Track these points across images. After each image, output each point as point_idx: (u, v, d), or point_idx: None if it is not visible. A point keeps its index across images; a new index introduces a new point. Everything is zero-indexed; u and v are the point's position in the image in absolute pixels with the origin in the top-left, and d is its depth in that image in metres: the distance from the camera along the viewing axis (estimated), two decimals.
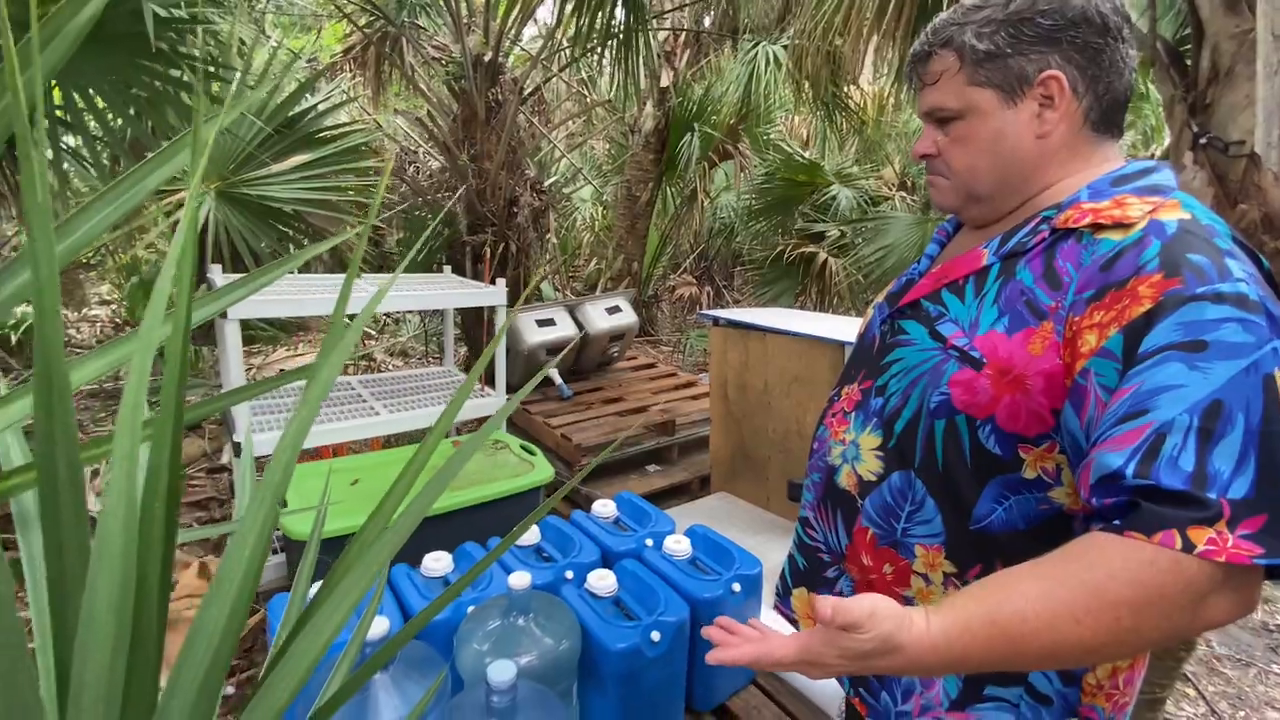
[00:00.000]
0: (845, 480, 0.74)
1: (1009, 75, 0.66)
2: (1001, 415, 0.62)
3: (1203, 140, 1.10)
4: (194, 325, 0.50)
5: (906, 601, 0.68)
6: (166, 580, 0.26)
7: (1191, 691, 1.74)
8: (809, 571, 0.81)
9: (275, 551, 1.97)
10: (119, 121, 2.15)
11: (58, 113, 1.94)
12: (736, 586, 1.43)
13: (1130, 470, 0.51)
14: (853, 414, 0.76)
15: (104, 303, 5.39)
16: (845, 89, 4.94)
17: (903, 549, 0.69)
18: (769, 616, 1.62)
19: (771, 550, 1.90)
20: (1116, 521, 0.51)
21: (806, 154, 5.45)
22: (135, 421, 0.23)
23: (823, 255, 4.72)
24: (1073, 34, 0.65)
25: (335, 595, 0.42)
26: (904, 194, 5.77)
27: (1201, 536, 0.49)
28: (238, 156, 2.60)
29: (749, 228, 5.61)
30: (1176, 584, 0.49)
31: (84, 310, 5.10)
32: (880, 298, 0.84)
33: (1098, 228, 0.60)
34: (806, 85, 4.48)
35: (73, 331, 4.64)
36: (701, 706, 1.47)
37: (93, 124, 2.01)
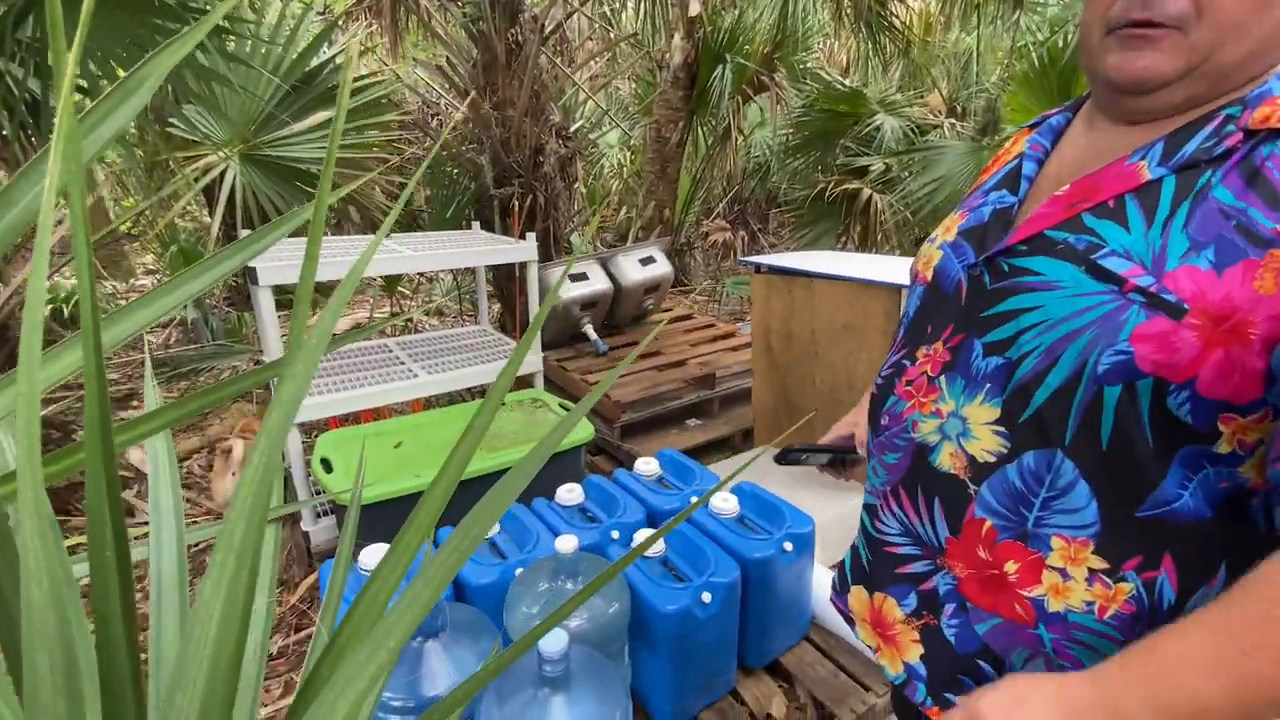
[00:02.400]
0: (948, 461, 0.61)
1: None
2: (1207, 377, 0.48)
3: None
4: (184, 300, 0.45)
5: (1035, 605, 0.57)
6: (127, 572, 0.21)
7: None
8: (876, 568, 0.71)
9: (326, 514, 2.01)
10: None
11: (79, 83, 1.90)
12: (788, 545, 1.38)
13: None
14: (942, 377, 0.62)
15: (149, 272, 5.53)
16: (890, 7, 4.55)
17: (1034, 540, 0.57)
18: (823, 575, 1.57)
19: (822, 505, 1.84)
20: None
21: (847, 82, 5.09)
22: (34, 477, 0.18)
23: (866, 192, 4.45)
24: None
25: (389, 567, 0.37)
26: (953, 120, 5.37)
27: None
28: (258, 117, 2.54)
29: (786, 166, 5.32)
30: None
31: (131, 281, 5.24)
32: (945, 234, 0.68)
33: None
34: (847, 5, 4.13)
35: (121, 302, 4.78)
36: (755, 663, 1.45)
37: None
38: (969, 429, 0.59)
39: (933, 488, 0.63)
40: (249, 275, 1.69)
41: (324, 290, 4.20)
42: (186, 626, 0.34)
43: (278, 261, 1.77)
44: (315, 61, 2.69)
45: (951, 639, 0.63)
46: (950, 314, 0.63)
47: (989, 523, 0.58)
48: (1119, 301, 0.51)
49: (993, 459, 0.58)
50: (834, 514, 1.80)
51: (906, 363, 0.67)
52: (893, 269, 1.88)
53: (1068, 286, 0.53)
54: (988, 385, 0.58)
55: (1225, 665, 0.43)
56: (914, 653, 0.67)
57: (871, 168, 4.64)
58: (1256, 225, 0.47)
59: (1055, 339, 0.54)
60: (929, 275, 0.68)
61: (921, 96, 5.84)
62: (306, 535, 1.93)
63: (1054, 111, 0.70)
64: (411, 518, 0.46)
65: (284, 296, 4.19)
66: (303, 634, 1.68)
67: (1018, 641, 0.59)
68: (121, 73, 1.98)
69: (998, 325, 0.58)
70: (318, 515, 1.99)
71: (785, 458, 1.00)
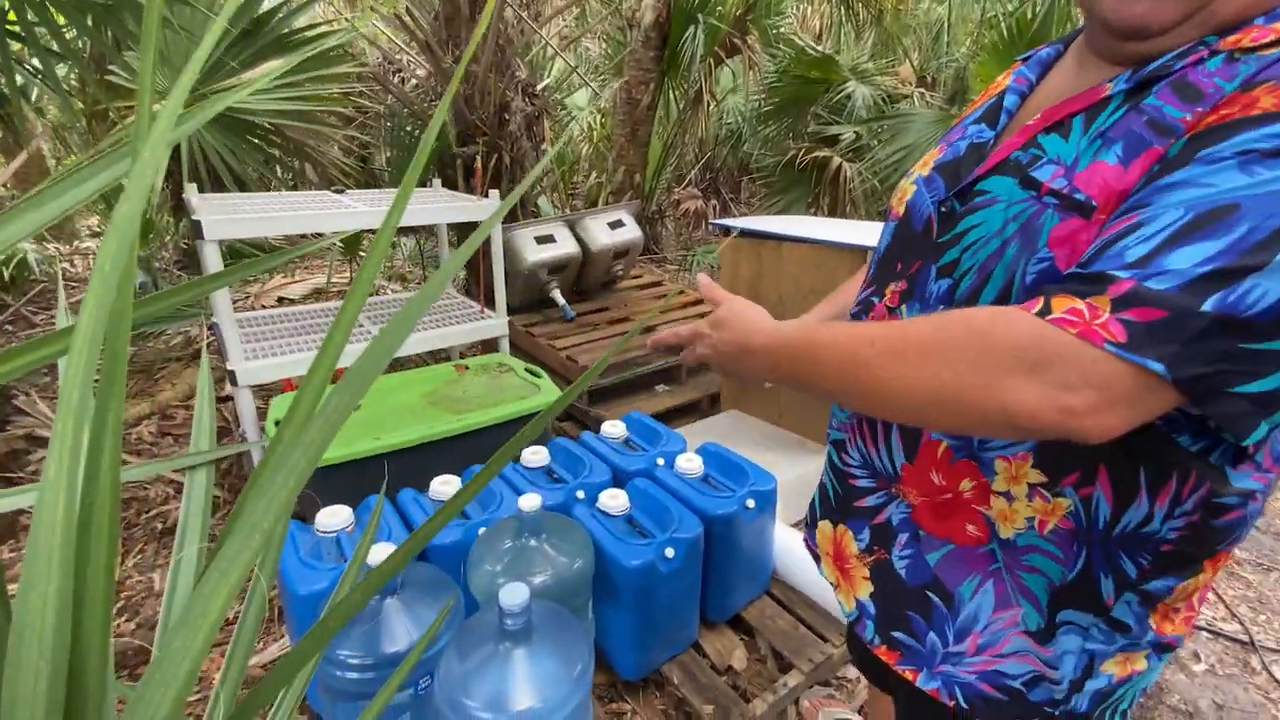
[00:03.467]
0: None
1: None
2: None
3: None
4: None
5: (986, 521, 0.58)
6: (110, 577, 0.21)
7: (1211, 595, 1.75)
8: (840, 501, 0.72)
9: None
10: (76, 34, 1.95)
11: (11, 29, 1.75)
12: (751, 502, 1.40)
13: (1084, 260, 0.44)
14: (901, 307, 0.62)
15: (94, 235, 5.25)
16: None
17: (982, 465, 0.58)
18: (784, 533, 1.60)
19: (785, 465, 1.87)
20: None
21: (820, 48, 5.04)
22: (79, 430, 0.16)
23: (836, 160, 4.45)
24: None
25: (237, 534, 0.35)
26: (923, 90, 5.38)
27: (1063, 305, 0.43)
28: (206, 65, 2.38)
29: (757, 133, 5.28)
30: (991, 337, 0.44)
31: (74, 244, 4.97)
32: (921, 169, 0.67)
33: (1268, 46, 0.46)
34: None
35: (67, 265, 4.53)
36: (716, 617, 1.49)
37: (50, 40, 1.81)
38: None
39: None
40: (195, 229, 1.61)
41: (278, 248, 4.04)
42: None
43: (225, 215, 1.69)
44: (266, 5, 2.53)
45: (902, 572, 0.64)
46: (914, 248, 0.63)
47: (944, 443, 0.59)
48: (1036, 206, 0.51)
49: None
50: (796, 474, 1.83)
51: (875, 299, 0.67)
52: (859, 232, 1.89)
53: (1002, 199, 0.54)
54: (940, 307, 0.59)
55: (854, 346, 0.53)
56: (864, 590, 0.68)
57: (842, 136, 4.63)
58: (1166, 118, 0.47)
59: (987, 255, 0.54)
60: (901, 210, 0.67)
61: (893, 66, 5.82)
62: None
63: (1045, 45, 0.69)
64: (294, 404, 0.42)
65: (238, 258, 4.03)
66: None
67: (970, 566, 0.60)
68: (60, 19, 1.83)
69: (949, 248, 0.58)
70: None
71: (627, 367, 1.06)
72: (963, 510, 0.60)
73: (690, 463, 1.48)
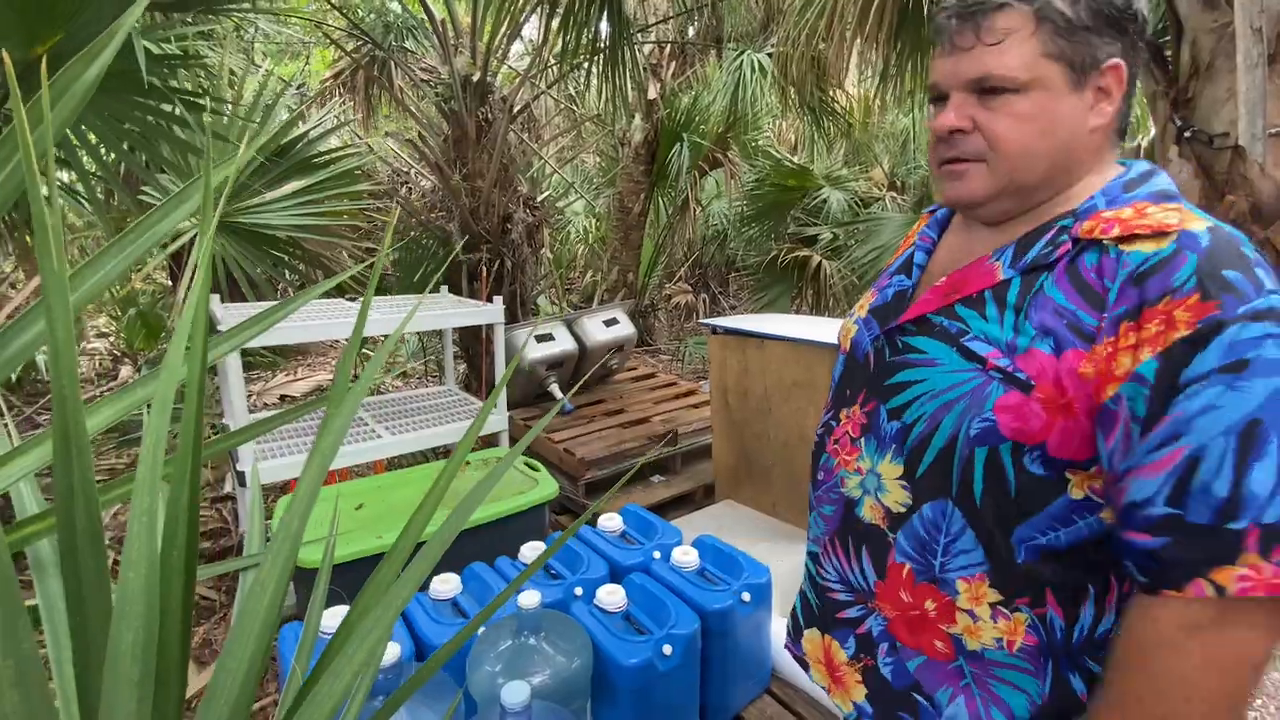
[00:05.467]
0: (870, 513, 0.69)
1: (1083, 54, 0.60)
2: (1053, 441, 0.58)
3: (1187, 134, 1.12)
4: (209, 364, 0.51)
5: (954, 640, 0.64)
6: (187, 624, 0.27)
7: None
8: (823, 612, 0.77)
9: None
10: (112, 156, 2.16)
11: (83, 156, 1.95)
12: (746, 596, 1.43)
13: (1162, 497, 0.51)
14: (861, 439, 0.71)
15: (101, 335, 5.39)
16: (831, 93, 4.98)
17: (944, 585, 0.64)
18: (778, 625, 1.61)
19: (779, 557, 1.89)
20: (1146, 579, 0.52)
21: (795, 159, 5.49)
22: (154, 477, 0.23)
23: (816, 258, 4.74)
24: (1133, 26, 0.61)
25: (358, 633, 0.42)
26: (894, 194, 5.81)
27: (1229, 576, 0.49)
28: (233, 186, 2.61)
29: (742, 234, 5.63)
30: (1229, 641, 0.49)
31: (82, 344, 5.10)
32: (860, 310, 0.79)
33: (1126, 239, 0.57)
34: (792, 91, 4.52)
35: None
36: (716, 717, 1.47)
37: (86, 159, 2.01)
38: (883, 484, 0.68)
39: (860, 537, 0.71)
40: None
41: (287, 352, 4.17)
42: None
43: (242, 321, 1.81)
44: (291, 135, 2.81)
45: (889, 676, 0.70)
46: (862, 380, 0.73)
47: (908, 566, 0.66)
48: (982, 378, 0.61)
49: (903, 509, 0.67)
50: (791, 564, 1.86)
51: (834, 423, 0.76)
52: (835, 330, 2.03)
53: (945, 363, 0.64)
54: (893, 445, 0.67)
55: None
56: (860, 692, 0.73)
57: (820, 236, 4.96)
58: (1083, 323, 0.57)
59: (936, 407, 0.64)
60: (847, 346, 0.79)
61: (866, 171, 6.31)
62: None
63: (941, 205, 0.84)
64: (372, 577, 0.50)
65: (248, 359, 4.15)
66: (263, 701, 1.61)
67: (942, 678, 0.66)
68: (94, 139, 2.04)
69: (895, 394, 0.68)
70: None
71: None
72: (930, 628, 0.66)
73: (686, 555, 1.52)
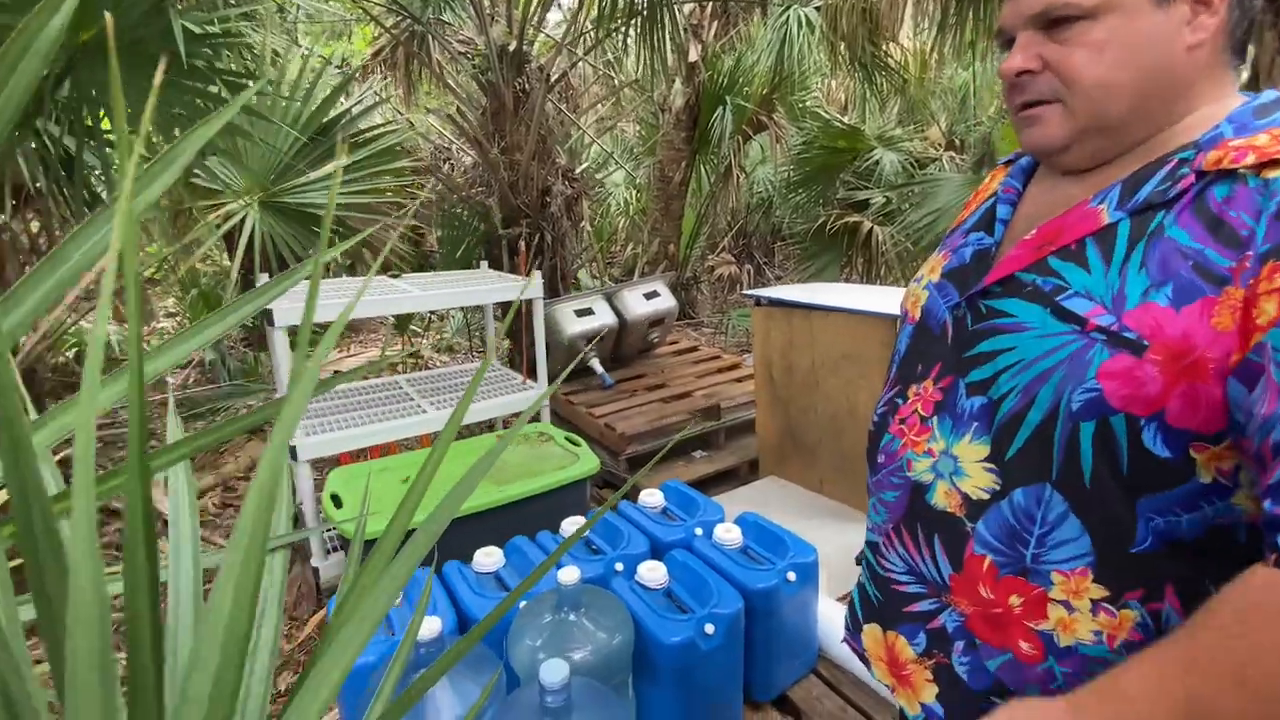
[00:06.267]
0: (944, 499, 0.62)
1: None
2: (1174, 409, 0.50)
3: None
4: (207, 342, 0.49)
5: (1043, 638, 0.57)
6: (156, 624, 0.25)
7: None
8: (885, 606, 0.70)
9: (336, 550, 2.03)
10: (159, 139, 2.22)
11: (107, 137, 2.01)
12: (791, 575, 1.39)
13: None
14: (934, 418, 0.63)
15: (169, 315, 5.69)
16: (884, 47, 4.70)
17: (1035, 576, 0.57)
18: (829, 607, 1.57)
19: (827, 535, 1.84)
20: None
21: (845, 119, 5.23)
22: (88, 492, 0.21)
23: (867, 224, 4.53)
24: None
25: (364, 605, 0.40)
26: (952, 153, 5.48)
27: None
28: (277, 166, 2.66)
29: (788, 200, 5.43)
30: None
31: (153, 324, 5.39)
32: (931, 274, 0.70)
33: (1266, 166, 0.49)
34: (842, 47, 4.28)
35: (145, 345, 4.90)
36: (761, 697, 1.44)
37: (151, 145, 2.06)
38: (960, 467, 0.61)
39: (931, 526, 0.63)
40: (266, 317, 1.76)
41: (319, 334, 4.29)
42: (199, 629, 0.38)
43: (294, 303, 1.84)
44: (333, 113, 2.83)
45: (964, 676, 0.63)
46: (938, 353, 0.65)
47: (989, 559, 0.59)
48: (1083, 341, 0.53)
49: (986, 496, 0.59)
50: (839, 544, 1.80)
51: (899, 401, 0.68)
52: (887, 299, 1.92)
53: (1037, 327, 0.56)
54: (974, 424, 0.60)
55: (1192, 704, 0.44)
56: (929, 692, 0.67)
57: (872, 201, 4.73)
58: (1212, 265, 0.49)
59: (1030, 379, 0.56)
60: (917, 314, 0.70)
61: (921, 131, 5.97)
62: (316, 571, 1.95)
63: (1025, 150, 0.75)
64: (406, 550, 0.48)
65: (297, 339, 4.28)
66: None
67: (1029, 677, 0.59)
68: (148, 128, 2.09)
69: (978, 365, 0.60)
70: (327, 551, 2.01)
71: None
72: (1015, 625, 0.59)
73: (729, 533, 1.48)
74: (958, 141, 6.01)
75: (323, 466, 2.68)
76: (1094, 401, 0.52)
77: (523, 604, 1.30)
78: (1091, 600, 0.55)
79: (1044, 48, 0.57)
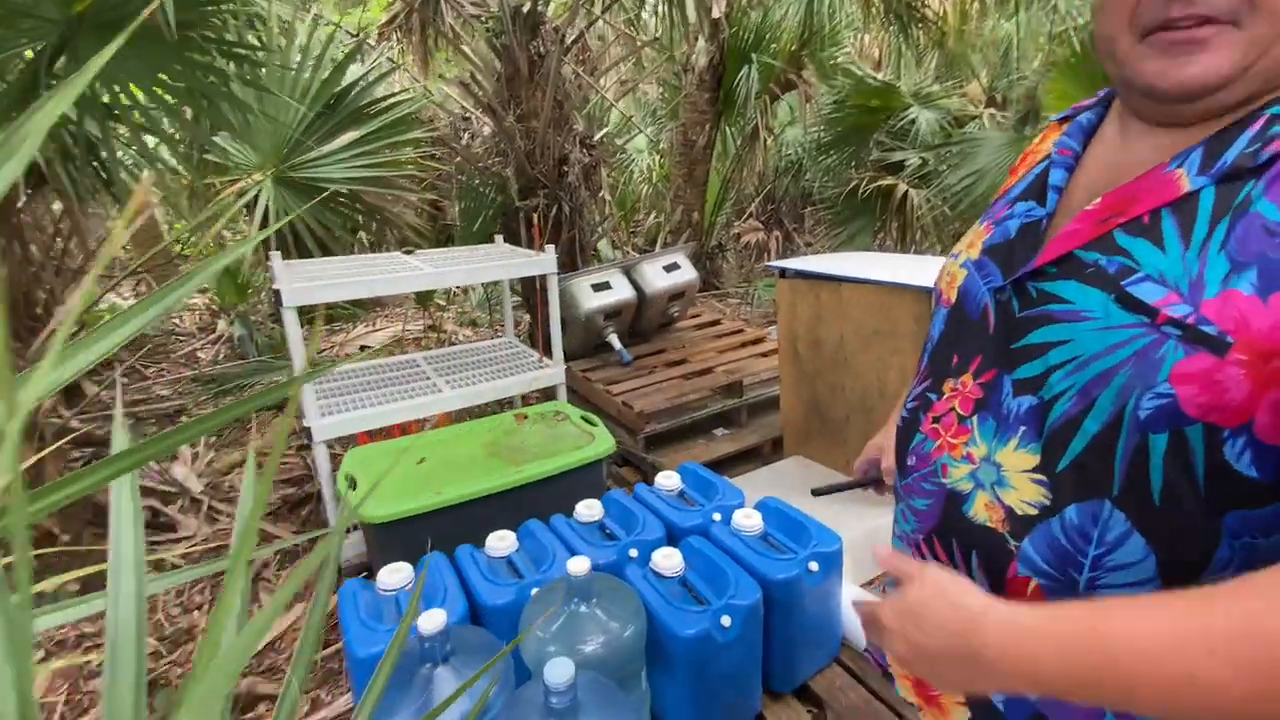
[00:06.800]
0: (984, 512, 0.54)
1: None
2: (1264, 420, 0.41)
3: None
4: (116, 347, 0.44)
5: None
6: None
7: None
8: None
9: (354, 529, 2.04)
10: (163, 118, 2.18)
11: (136, 115, 1.98)
12: (814, 565, 1.32)
13: None
14: (974, 418, 0.55)
15: (201, 290, 5.79)
16: None
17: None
18: (854, 593, 1.50)
19: (853, 519, 1.76)
20: None
21: (879, 76, 4.95)
22: None
23: (902, 187, 4.32)
24: None
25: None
26: (993, 110, 5.16)
27: None
28: (289, 141, 2.61)
29: (818, 163, 5.21)
30: None
31: (184, 301, 5.50)
32: (970, 251, 0.61)
33: None
34: None
35: (176, 320, 5.01)
36: (782, 688, 1.40)
37: (138, 117, 2.02)
38: (1005, 477, 0.52)
39: (969, 540, 0.56)
40: (276, 297, 1.73)
41: (366, 304, 4.31)
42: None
43: (303, 283, 1.81)
44: (344, 82, 2.76)
45: (1001, 706, 0.56)
46: (977, 344, 0.57)
47: (1034, 582, 0.51)
48: (1153, 336, 0.44)
49: (1034, 511, 0.51)
50: (864, 529, 1.73)
51: (932, 396, 0.60)
52: (923, 270, 1.80)
53: (1098, 318, 0.47)
54: (1022, 428, 0.51)
55: (1194, 685, 0.37)
56: (961, 715, 0.60)
57: (907, 162, 4.50)
58: None
59: (1089, 379, 0.47)
60: (953, 296, 0.61)
61: (960, 86, 5.63)
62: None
63: (1084, 105, 0.63)
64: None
65: (331, 311, 4.31)
66: (330, 649, 1.70)
67: (1075, 713, 0.52)
68: (171, 99, 2.04)
69: (1027, 360, 0.51)
70: (346, 531, 2.02)
71: (819, 493, 0.95)
72: None
73: (749, 519, 1.42)
74: (999, 98, 5.65)
75: (345, 445, 2.70)
76: (1165, 409, 0.44)
77: (534, 592, 1.26)
78: None
79: None
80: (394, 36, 4.69)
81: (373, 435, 2.29)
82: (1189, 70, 0.46)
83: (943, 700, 0.62)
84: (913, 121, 4.49)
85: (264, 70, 2.37)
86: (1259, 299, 0.41)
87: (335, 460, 2.08)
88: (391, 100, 2.92)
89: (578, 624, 1.14)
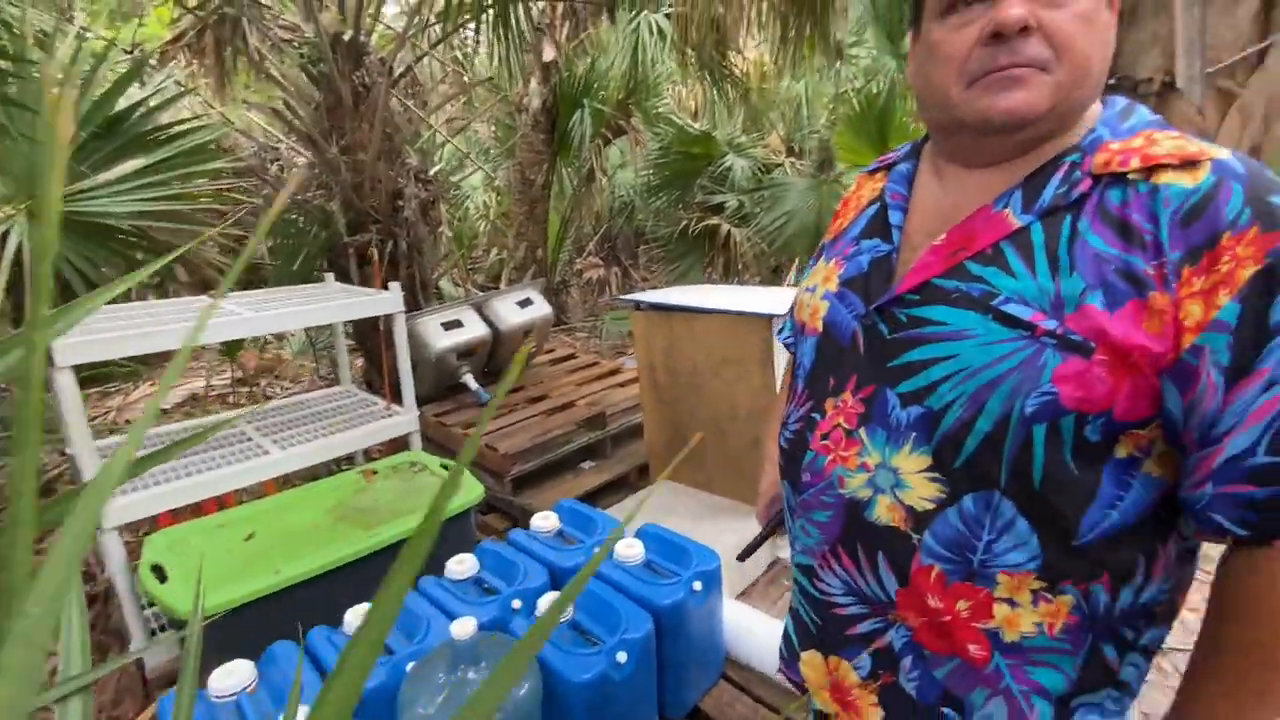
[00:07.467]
0: (886, 514, 0.60)
1: None
2: (1121, 407, 0.51)
3: (1111, 80, 1.12)
4: None
5: (989, 637, 0.58)
6: None
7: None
8: (824, 631, 0.68)
9: (164, 629, 1.69)
10: None
11: None
12: (698, 585, 1.36)
13: (1262, 447, 0.47)
14: (861, 430, 0.61)
15: None
16: (729, 57, 4.93)
17: (981, 579, 0.57)
18: (732, 609, 1.57)
19: (722, 533, 1.85)
20: (1249, 532, 0.49)
21: (697, 125, 5.42)
22: None
23: (725, 226, 4.74)
24: None
25: None
26: (793, 159, 5.90)
27: None
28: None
29: (649, 204, 5.53)
30: None
31: None
32: (826, 284, 0.68)
33: (1150, 171, 0.51)
34: (690, 55, 4.42)
35: None
36: (674, 714, 1.40)
37: None
38: (903, 480, 0.59)
39: (874, 542, 0.61)
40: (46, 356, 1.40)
41: (152, 360, 3.65)
42: None
43: (80, 337, 1.49)
44: (123, 105, 2.36)
45: (912, 692, 0.62)
46: (851, 365, 0.63)
47: (937, 568, 0.58)
48: (1034, 346, 0.52)
49: (932, 505, 0.58)
50: (736, 541, 1.81)
51: (816, 416, 0.66)
52: (764, 300, 1.98)
53: (979, 334, 0.55)
54: (913, 435, 0.58)
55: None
56: (875, 716, 0.65)
57: (727, 204, 4.95)
58: (1133, 268, 0.51)
59: (977, 386, 0.54)
60: (819, 326, 0.67)
61: (763, 138, 6.37)
62: (140, 661, 1.60)
63: (892, 157, 0.73)
64: None
65: (105, 370, 3.58)
66: None
67: (976, 680, 0.59)
68: None
69: (909, 375, 0.58)
70: (152, 632, 1.66)
71: (744, 556, 0.97)
72: (962, 629, 0.58)
73: (630, 549, 1.42)
74: (797, 148, 6.49)
75: (138, 530, 2.23)
76: (1048, 405, 0.53)
77: (410, 666, 1.14)
78: (1032, 592, 0.56)
79: (1035, 6, 0.52)
80: (181, 56, 4.14)
81: (177, 515, 1.92)
82: (1014, 98, 0.54)
83: (859, 704, 0.66)
84: (729, 168, 4.97)
85: (13, 86, 1.95)
86: (1108, 313, 0.51)
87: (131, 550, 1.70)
88: (184, 126, 2.55)
89: (466, 692, 1.05)
